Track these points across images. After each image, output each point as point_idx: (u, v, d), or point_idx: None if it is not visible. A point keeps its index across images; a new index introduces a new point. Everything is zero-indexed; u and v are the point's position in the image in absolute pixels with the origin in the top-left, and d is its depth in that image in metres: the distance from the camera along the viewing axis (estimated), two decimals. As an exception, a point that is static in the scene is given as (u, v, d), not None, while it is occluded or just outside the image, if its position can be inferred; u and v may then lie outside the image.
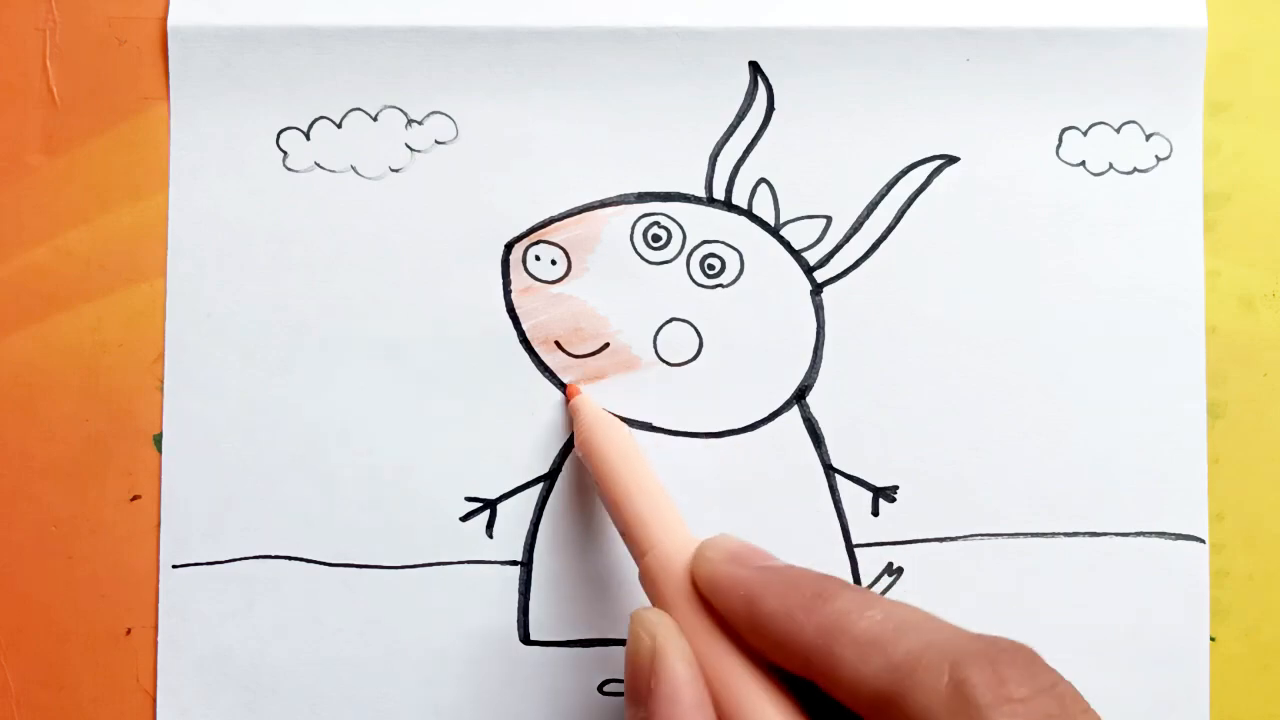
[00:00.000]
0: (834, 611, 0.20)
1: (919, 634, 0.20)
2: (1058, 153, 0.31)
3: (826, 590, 0.21)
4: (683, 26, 0.31)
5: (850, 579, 0.31)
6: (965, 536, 0.31)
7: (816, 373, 0.31)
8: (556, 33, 0.30)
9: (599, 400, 0.31)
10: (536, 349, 0.31)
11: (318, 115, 0.31)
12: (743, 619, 0.22)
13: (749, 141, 0.31)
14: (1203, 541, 0.31)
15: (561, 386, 0.31)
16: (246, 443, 0.30)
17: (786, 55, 0.31)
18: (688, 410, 0.31)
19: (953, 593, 0.31)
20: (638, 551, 0.25)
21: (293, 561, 0.30)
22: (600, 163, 0.31)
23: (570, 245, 0.31)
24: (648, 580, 0.24)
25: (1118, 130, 0.31)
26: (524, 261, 0.31)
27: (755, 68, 0.31)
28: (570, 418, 0.30)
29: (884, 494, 0.31)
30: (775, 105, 0.31)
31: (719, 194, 0.31)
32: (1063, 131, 0.31)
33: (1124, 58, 0.31)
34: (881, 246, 0.31)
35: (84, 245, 0.31)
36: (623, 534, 0.26)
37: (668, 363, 0.31)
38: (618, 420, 0.30)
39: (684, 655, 0.22)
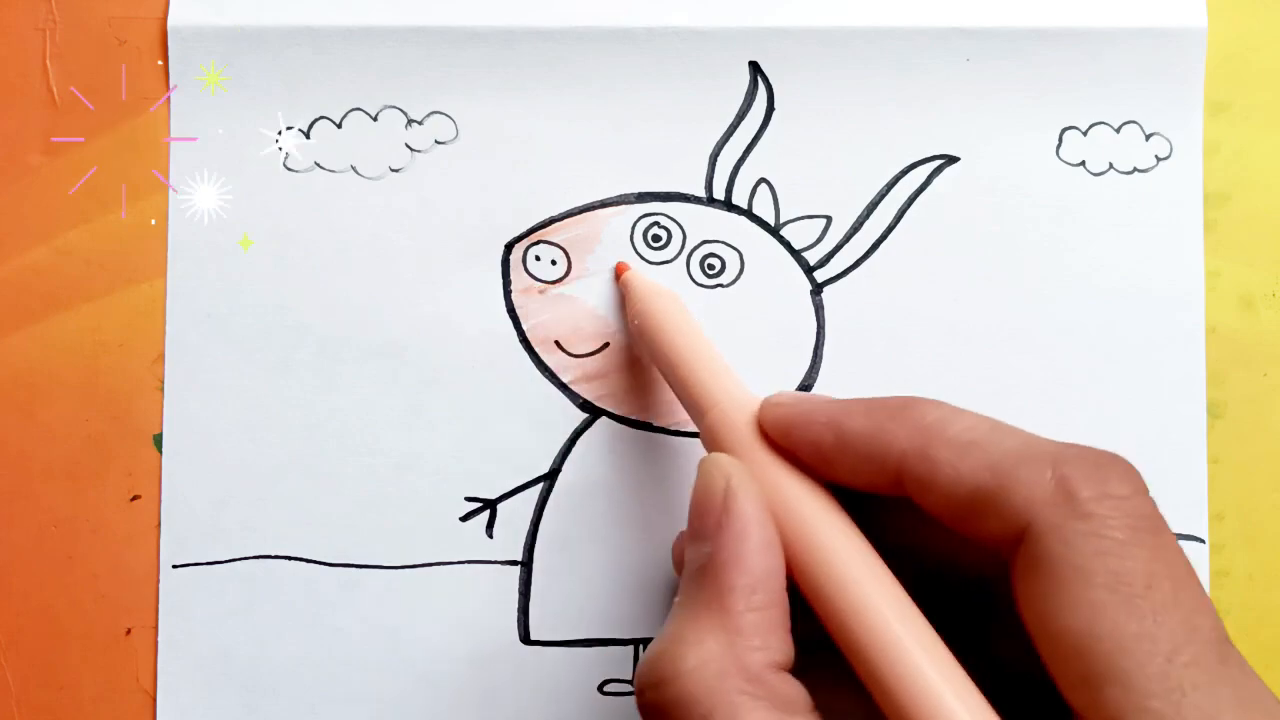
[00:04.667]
0: (926, 418, 0.20)
1: (1016, 437, 0.20)
2: (1058, 153, 0.31)
3: (912, 402, 0.21)
4: (683, 26, 0.31)
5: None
6: (965, 536, 0.31)
7: (816, 373, 0.31)
8: (556, 33, 0.30)
9: (599, 402, 0.31)
10: (536, 349, 0.31)
11: (318, 115, 0.31)
12: (829, 445, 0.21)
13: (749, 141, 0.31)
14: (1203, 541, 0.31)
15: (562, 386, 0.31)
16: (246, 443, 0.30)
17: (786, 55, 0.31)
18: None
19: (953, 593, 0.31)
20: (699, 411, 0.25)
21: (293, 561, 0.30)
22: (600, 163, 0.31)
23: (570, 245, 0.31)
24: (712, 435, 0.24)
25: (1118, 130, 0.31)
26: (524, 261, 0.31)
27: (755, 68, 0.31)
28: (621, 294, 0.30)
29: (884, 494, 0.31)
30: (775, 105, 0.31)
31: (719, 194, 0.31)
32: (1063, 131, 0.31)
33: (1124, 58, 0.31)
34: (881, 246, 0.31)
35: (84, 245, 0.31)
36: (682, 397, 0.26)
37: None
38: (670, 291, 0.29)
39: (755, 496, 0.21)
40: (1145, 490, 0.19)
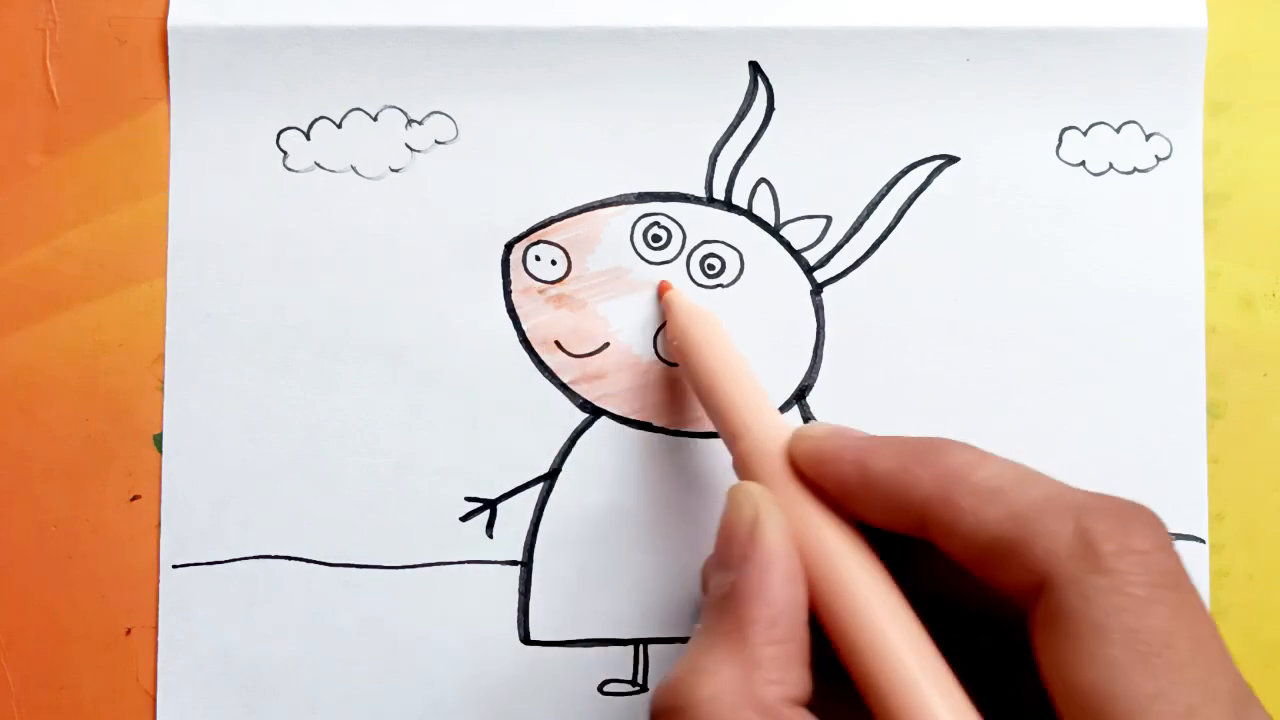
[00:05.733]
0: (952, 462, 0.20)
1: (1041, 485, 0.20)
2: (1058, 153, 0.31)
3: (941, 445, 0.21)
4: (683, 26, 0.31)
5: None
6: (965, 536, 0.31)
7: (816, 373, 0.31)
8: (556, 33, 0.30)
9: (599, 402, 0.31)
10: (536, 349, 0.31)
11: (318, 115, 0.31)
12: (854, 482, 0.21)
13: (749, 141, 0.31)
14: (1203, 541, 0.31)
15: (562, 386, 0.31)
16: (246, 443, 0.30)
17: (786, 55, 0.31)
18: (688, 410, 0.31)
19: (953, 593, 0.31)
20: (732, 436, 0.25)
21: (293, 561, 0.30)
22: (600, 163, 0.31)
23: (570, 245, 0.31)
24: (744, 462, 0.24)
25: (1118, 130, 0.31)
26: (524, 261, 0.31)
27: (755, 68, 0.31)
28: (663, 311, 0.30)
29: (884, 494, 0.31)
30: (775, 105, 0.31)
31: (719, 194, 0.31)
32: (1063, 131, 0.31)
33: (1124, 58, 0.31)
34: (881, 246, 0.31)
35: (84, 245, 0.31)
36: (716, 422, 0.26)
37: (668, 363, 0.31)
38: (710, 313, 0.29)
39: (782, 528, 0.21)
40: (1169, 543, 0.19)
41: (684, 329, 0.28)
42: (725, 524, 0.22)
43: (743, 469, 0.24)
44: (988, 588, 0.20)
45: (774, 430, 0.24)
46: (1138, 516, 0.19)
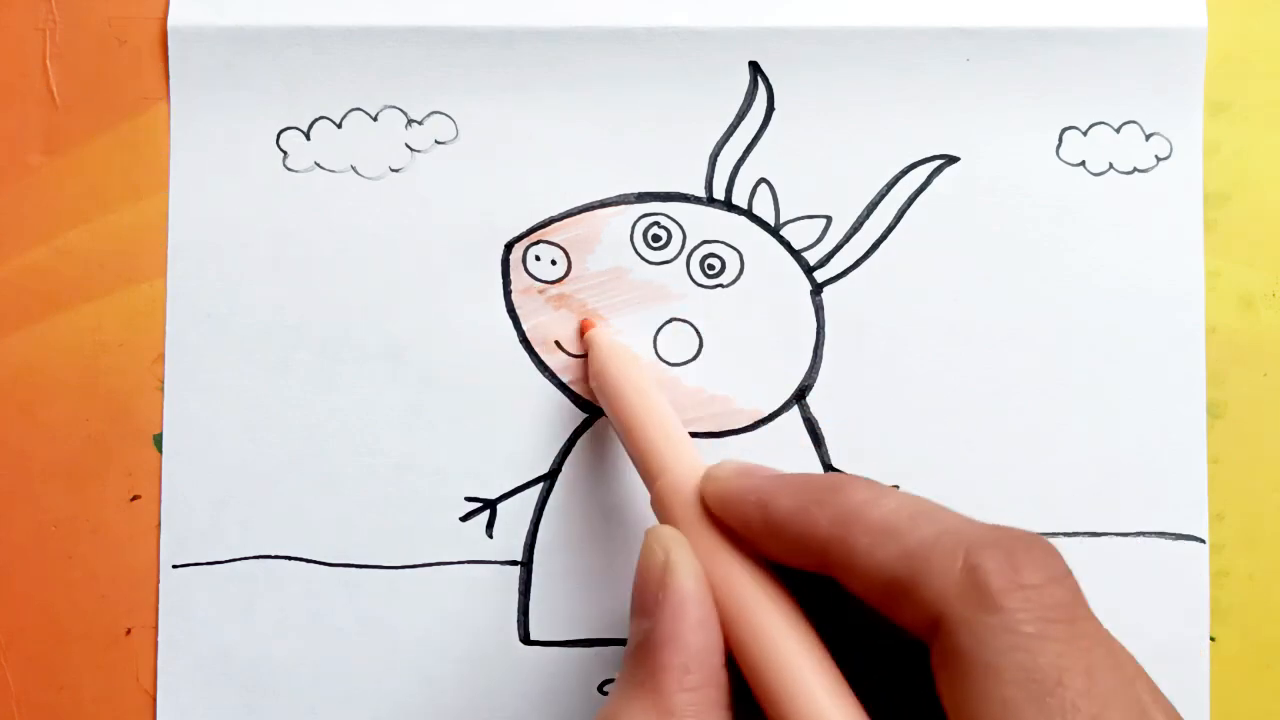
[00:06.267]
0: (849, 502, 0.20)
1: (933, 522, 0.20)
2: (1058, 153, 0.31)
3: (839, 484, 0.21)
4: (683, 26, 0.31)
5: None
6: (965, 536, 0.31)
7: (816, 373, 0.31)
8: (556, 33, 0.30)
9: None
10: (536, 349, 0.31)
11: (318, 115, 0.31)
12: (757, 524, 0.21)
13: (749, 141, 0.31)
14: (1203, 541, 0.31)
15: (562, 386, 0.31)
16: (246, 443, 0.30)
17: (786, 55, 0.31)
18: (688, 410, 0.31)
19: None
20: (649, 477, 0.25)
21: (293, 561, 0.30)
22: (600, 163, 0.31)
23: (570, 245, 0.31)
24: (659, 504, 0.24)
25: (1118, 130, 0.31)
26: (524, 261, 0.31)
27: (755, 68, 0.31)
28: (584, 350, 0.30)
29: (884, 494, 0.31)
30: (775, 105, 0.31)
31: (719, 194, 0.31)
32: (1063, 131, 0.31)
33: (1124, 58, 0.31)
34: (881, 246, 0.31)
35: (84, 245, 0.31)
36: (635, 461, 0.26)
37: (668, 363, 0.31)
38: (632, 352, 0.29)
39: (694, 572, 0.21)
40: (1063, 574, 0.19)
41: (602, 367, 0.28)
42: (638, 570, 0.22)
43: (659, 510, 0.24)
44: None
45: (689, 471, 0.24)
46: (1029, 549, 0.19)
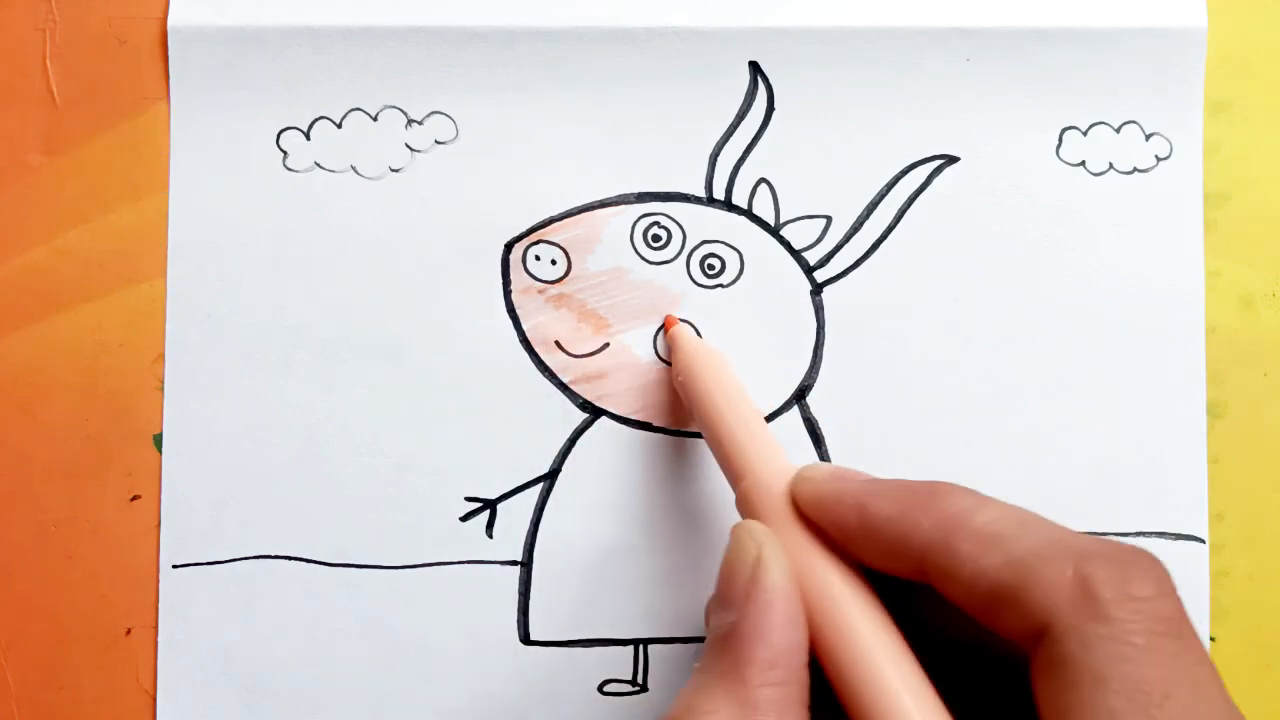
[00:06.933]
0: (951, 508, 0.20)
1: (1041, 530, 0.19)
2: (1058, 153, 0.31)
3: (940, 490, 0.21)
4: (683, 26, 0.31)
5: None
6: (965, 536, 0.31)
7: (816, 373, 0.31)
8: (556, 33, 0.30)
9: (599, 402, 0.31)
10: (536, 349, 0.31)
11: (318, 115, 0.31)
12: (854, 527, 0.21)
13: (749, 141, 0.31)
14: (1203, 541, 0.31)
15: (562, 386, 0.31)
16: (246, 443, 0.30)
17: (786, 55, 0.31)
18: (687, 410, 0.31)
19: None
20: (735, 476, 0.25)
21: (293, 561, 0.30)
22: (600, 163, 0.31)
23: (570, 245, 0.31)
24: (746, 502, 0.24)
25: (1118, 130, 0.31)
26: (524, 261, 0.31)
27: (755, 68, 0.31)
28: (668, 347, 0.30)
29: (884, 494, 0.31)
30: (775, 105, 0.31)
31: (719, 194, 0.31)
32: (1063, 131, 0.31)
33: (1124, 58, 0.31)
34: (881, 246, 0.31)
35: (84, 245, 0.31)
36: (720, 460, 0.26)
37: (668, 363, 0.31)
38: (716, 350, 0.29)
39: (785, 569, 0.21)
40: (1171, 589, 0.19)
41: (689, 366, 0.28)
42: (727, 562, 0.22)
43: (746, 509, 0.24)
44: (992, 632, 0.20)
45: (778, 470, 0.24)
46: (1138, 562, 0.19)
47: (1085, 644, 0.18)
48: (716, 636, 0.21)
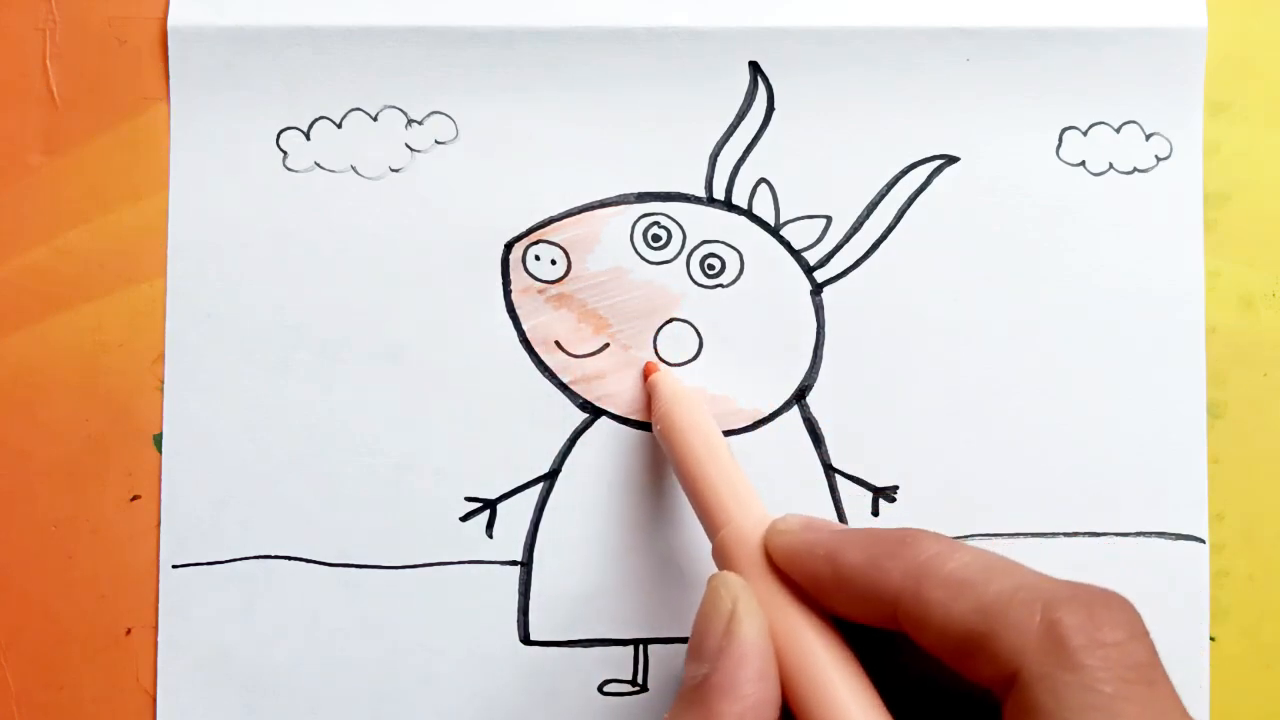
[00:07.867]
0: (920, 555, 0.20)
1: (1010, 576, 0.20)
2: (1058, 153, 0.31)
3: (909, 538, 0.21)
4: (683, 26, 0.31)
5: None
6: (965, 536, 0.31)
7: (816, 373, 0.31)
8: (556, 33, 0.30)
9: (599, 402, 0.31)
10: (536, 349, 0.31)
11: (318, 115, 0.31)
12: (826, 578, 0.21)
13: (749, 141, 0.31)
14: (1203, 541, 0.31)
15: (562, 386, 0.31)
16: (246, 443, 0.30)
17: (786, 55, 0.31)
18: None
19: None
20: (712, 527, 0.25)
21: (293, 561, 0.30)
22: (600, 163, 0.31)
23: (570, 245, 0.31)
24: (722, 554, 0.24)
25: (1118, 130, 0.31)
26: (524, 261, 0.31)
27: (755, 68, 0.31)
28: (648, 394, 0.30)
29: (884, 494, 0.31)
30: (775, 105, 0.31)
31: (719, 194, 0.31)
32: (1063, 131, 0.31)
33: (1124, 58, 0.31)
34: (881, 246, 0.31)
35: (84, 245, 0.31)
36: (697, 510, 0.26)
37: (668, 363, 0.31)
38: (696, 397, 0.29)
39: (759, 623, 0.21)
40: (1142, 632, 0.19)
41: (667, 412, 0.28)
42: (702, 615, 0.22)
43: (722, 560, 0.24)
44: (965, 679, 0.20)
45: (755, 522, 0.24)
46: (1108, 605, 0.19)
47: (1054, 692, 0.18)
48: (688, 689, 0.21)
